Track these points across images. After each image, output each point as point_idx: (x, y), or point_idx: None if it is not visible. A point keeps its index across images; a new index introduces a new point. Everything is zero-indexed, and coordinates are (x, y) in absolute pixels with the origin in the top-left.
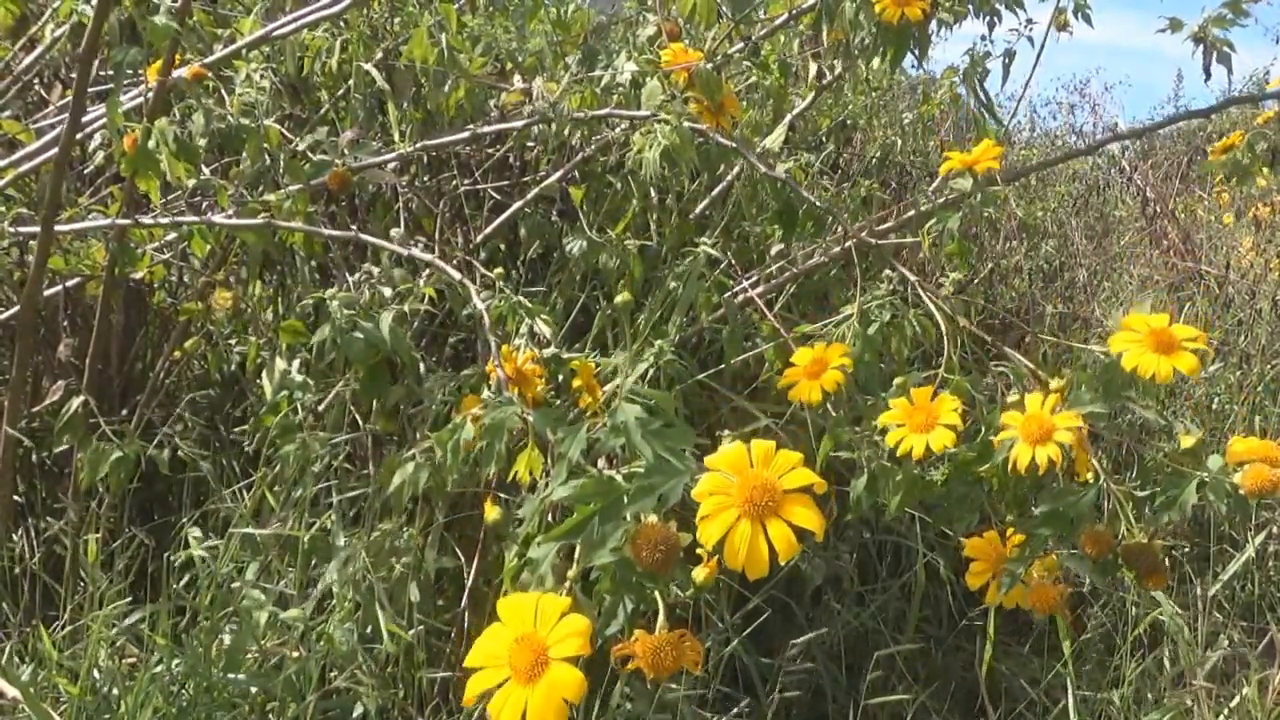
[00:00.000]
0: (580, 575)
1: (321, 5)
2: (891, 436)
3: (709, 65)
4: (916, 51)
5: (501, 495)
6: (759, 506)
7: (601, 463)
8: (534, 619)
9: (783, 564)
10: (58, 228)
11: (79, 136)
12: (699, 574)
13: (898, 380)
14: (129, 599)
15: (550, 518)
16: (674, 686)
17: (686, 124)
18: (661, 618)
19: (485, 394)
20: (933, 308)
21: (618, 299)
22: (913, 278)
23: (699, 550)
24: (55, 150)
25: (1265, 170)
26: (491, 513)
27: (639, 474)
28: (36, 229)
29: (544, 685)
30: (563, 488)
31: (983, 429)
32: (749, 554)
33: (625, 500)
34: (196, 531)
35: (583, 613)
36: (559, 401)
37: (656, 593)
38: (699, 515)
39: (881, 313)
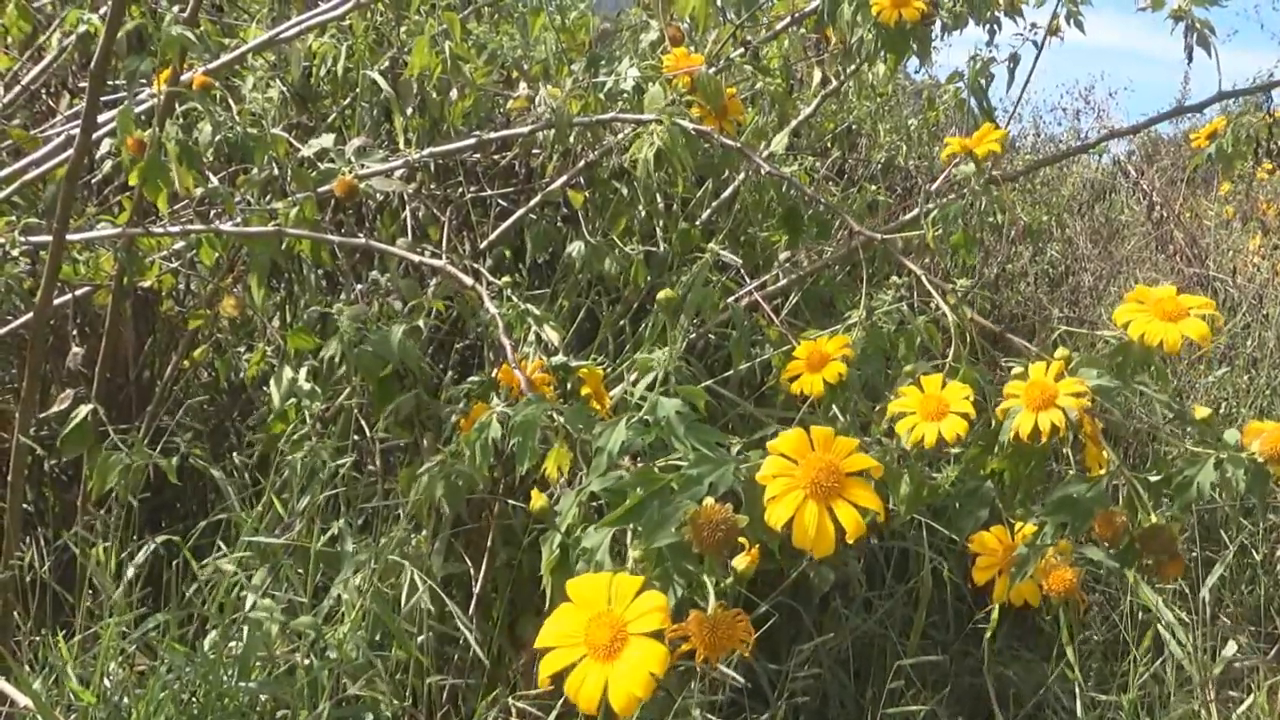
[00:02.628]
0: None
1: (324, 9)
2: (902, 425)
3: (711, 69)
4: (918, 55)
5: (509, 502)
6: (825, 488)
7: (625, 460)
8: (607, 598)
9: (850, 542)
10: (67, 237)
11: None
12: (739, 563)
13: (907, 368)
14: (140, 607)
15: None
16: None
17: (689, 126)
18: (712, 599)
19: (494, 401)
20: (940, 300)
21: (660, 295)
22: (919, 271)
23: (740, 539)
24: (62, 157)
25: (1260, 160)
26: (537, 501)
27: (684, 464)
28: (46, 238)
29: (627, 659)
30: (601, 479)
31: (991, 423)
32: (818, 533)
33: (673, 489)
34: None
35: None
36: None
37: (705, 576)
38: (766, 496)
39: (888, 319)
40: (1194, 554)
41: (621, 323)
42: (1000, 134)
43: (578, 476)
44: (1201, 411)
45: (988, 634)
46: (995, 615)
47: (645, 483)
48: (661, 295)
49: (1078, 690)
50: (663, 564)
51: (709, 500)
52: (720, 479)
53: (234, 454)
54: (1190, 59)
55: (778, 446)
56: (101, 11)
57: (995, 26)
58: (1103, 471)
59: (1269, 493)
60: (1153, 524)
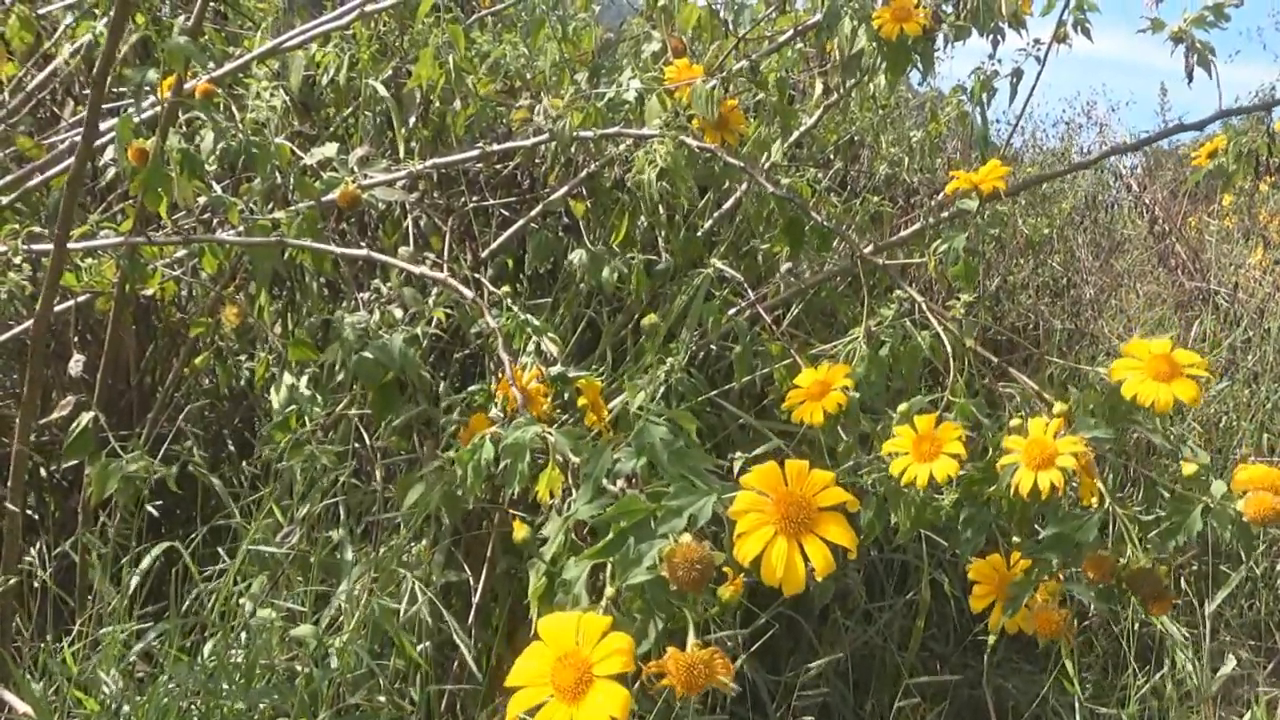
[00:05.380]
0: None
1: (329, 18)
2: (895, 465)
3: (713, 82)
4: (921, 67)
5: (513, 512)
6: (795, 524)
7: (620, 483)
8: (575, 638)
9: (819, 580)
10: (70, 245)
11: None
12: (724, 592)
13: (901, 407)
14: (140, 614)
15: (573, 537)
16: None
17: (692, 143)
18: (691, 635)
19: (493, 411)
20: (939, 330)
21: (644, 321)
22: (920, 299)
23: (724, 568)
24: (66, 164)
25: (1260, 176)
26: (520, 531)
27: (666, 494)
28: (49, 246)
29: (589, 703)
30: (587, 507)
31: (990, 450)
32: (786, 570)
33: (654, 520)
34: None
35: (624, 631)
36: (565, 418)
37: (686, 611)
38: (736, 532)
39: (892, 333)
40: (1194, 567)
41: (622, 333)
42: (1004, 170)
43: (567, 501)
44: (1188, 468)
45: (988, 647)
46: (994, 639)
47: (628, 513)
48: (645, 321)
49: (1076, 704)
50: (643, 598)
51: (686, 537)
52: (700, 511)
53: (234, 461)
54: (1190, 79)
55: (750, 481)
56: (105, 21)
57: (999, 38)
58: (1095, 498)
59: None
60: (1141, 566)
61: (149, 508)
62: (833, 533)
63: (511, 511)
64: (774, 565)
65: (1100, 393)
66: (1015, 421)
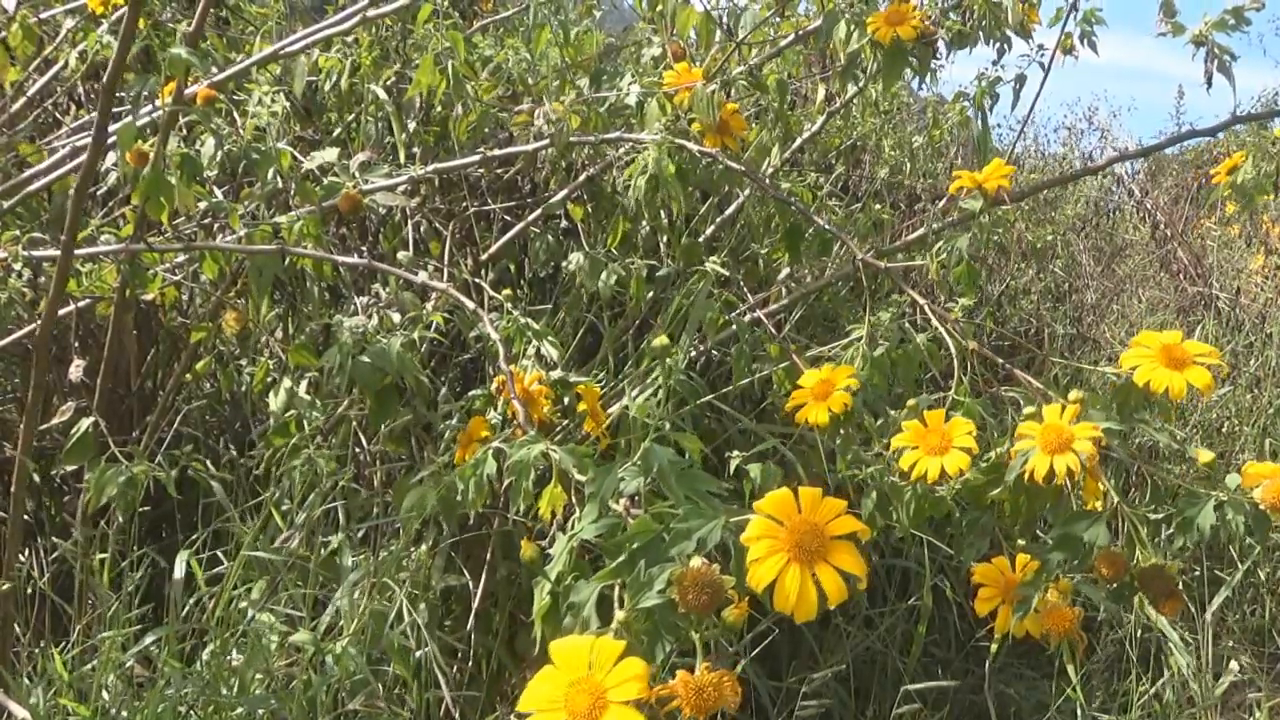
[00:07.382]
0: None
1: (331, 22)
2: (905, 460)
3: (713, 86)
4: (917, 72)
5: (513, 518)
6: (808, 551)
7: (624, 502)
8: (588, 662)
9: (830, 606)
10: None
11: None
12: (729, 615)
13: (910, 403)
14: (139, 619)
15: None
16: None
17: (693, 147)
18: (700, 659)
19: (491, 415)
20: (942, 331)
21: (655, 342)
22: (922, 300)
23: (731, 591)
24: (67, 169)
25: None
26: (528, 550)
27: (676, 516)
28: (49, 252)
29: None
30: (592, 526)
31: (993, 453)
32: (799, 599)
33: (663, 542)
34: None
35: (631, 654)
36: (565, 422)
37: (693, 634)
38: (749, 558)
39: (891, 335)
40: (1197, 572)
41: (624, 338)
42: (1008, 170)
43: (570, 520)
44: (1205, 455)
45: (990, 653)
46: (996, 644)
47: (638, 535)
48: (656, 341)
49: (1079, 710)
50: (650, 620)
51: (696, 560)
52: (709, 535)
53: (234, 466)
54: (1210, 84)
55: (763, 507)
56: (114, 18)
57: (1005, 46)
58: (1099, 502)
59: None
60: (1152, 563)
61: (146, 511)
62: (845, 561)
63: (512, 517)
64: (788, 592)
65: (1102, 395)
66: (1029, 409)
